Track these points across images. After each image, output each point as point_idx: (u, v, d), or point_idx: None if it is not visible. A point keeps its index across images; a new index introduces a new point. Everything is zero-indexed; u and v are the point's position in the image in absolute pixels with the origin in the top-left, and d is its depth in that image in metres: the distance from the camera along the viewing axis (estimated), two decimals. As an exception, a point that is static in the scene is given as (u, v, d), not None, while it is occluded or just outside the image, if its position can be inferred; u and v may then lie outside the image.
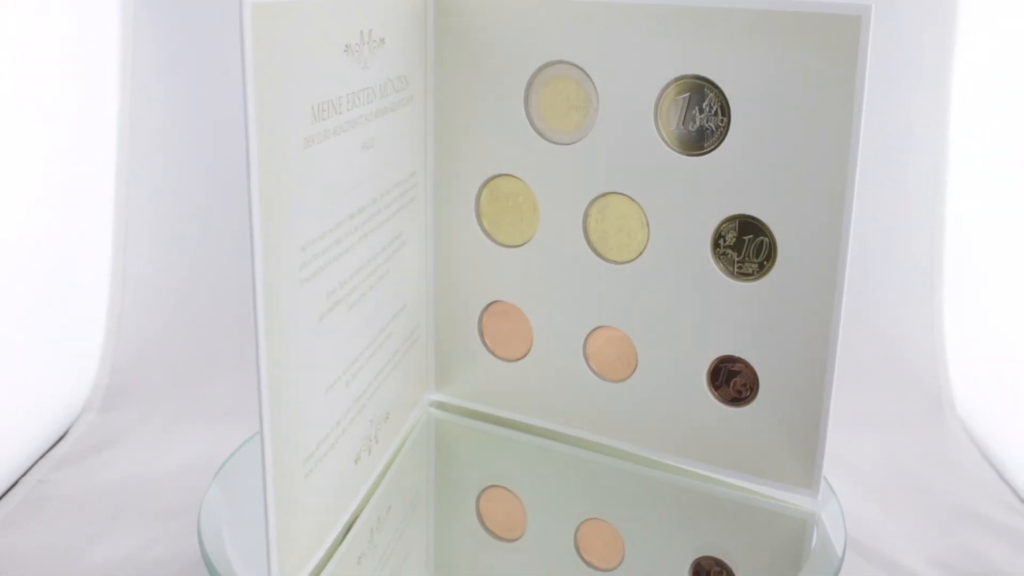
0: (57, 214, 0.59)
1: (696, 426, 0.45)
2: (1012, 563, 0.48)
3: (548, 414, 0.49)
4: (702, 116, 0.41)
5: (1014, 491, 0.55)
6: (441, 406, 0.52)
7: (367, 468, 0.43)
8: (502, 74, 0.44)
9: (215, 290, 0.69)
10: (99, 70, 0.65)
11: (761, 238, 0.41)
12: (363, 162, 0.39)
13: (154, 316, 0.67)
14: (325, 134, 0.35)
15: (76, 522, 0.49)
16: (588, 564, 0.41)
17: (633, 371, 0.46)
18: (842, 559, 0.40)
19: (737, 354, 0.43)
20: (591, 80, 0.43)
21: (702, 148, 0.41)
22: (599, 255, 0.45)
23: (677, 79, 0.41)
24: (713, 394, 0.44)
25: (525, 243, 0.47)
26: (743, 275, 0.42)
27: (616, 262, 0.45)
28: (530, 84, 0.44)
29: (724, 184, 0.41)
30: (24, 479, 0.53)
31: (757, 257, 0.42)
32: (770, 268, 0.41)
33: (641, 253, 0.44)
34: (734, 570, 0.40)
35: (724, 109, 0.40)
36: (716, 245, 0.42)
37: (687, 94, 0.41)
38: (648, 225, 0.43)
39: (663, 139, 0.42)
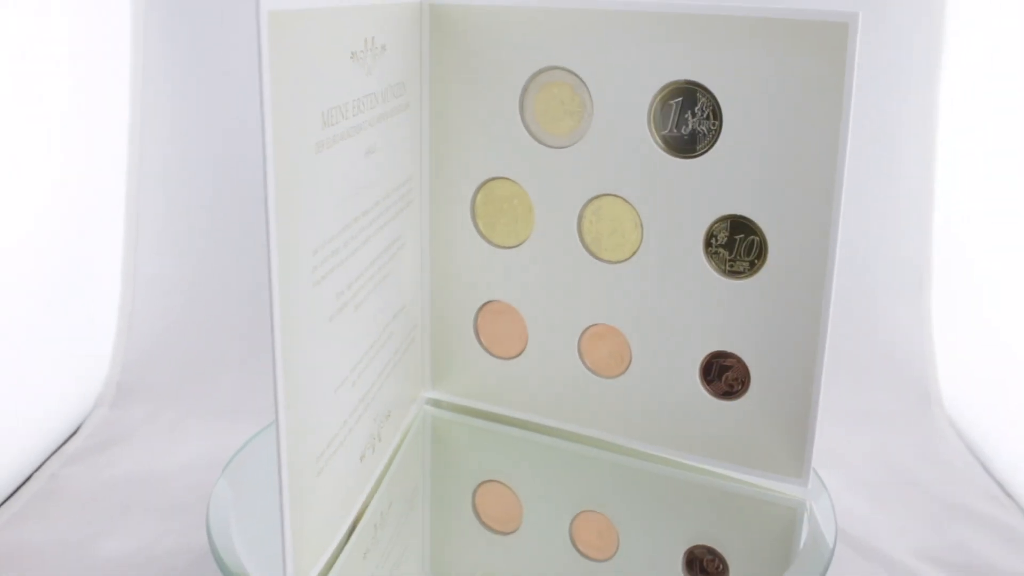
0: (68, 214, 0.59)
1: (689, 420, 0.45)
2: (998, 555, 0.49)
3: (543, 410, 0.49)
4: (694, 120, 0.41)
5: (1000, 485, 0.55)
6: (437, 403, 0.52)
7: (371, 466, 0.43)
8: (497, 80, 0.44)
9: (224, 289, 0.69)
10: (110, 70, 0.65)
11: (752, 237, 0.42)
12: (367, 166, 0.39)
13: (164, 315, 0.67)
14: (334, 139, 0.35)
15: (87, 516, 0.49)
16: (583, 555, 0.41)
17: (627, 367, 0.46)
18: (833, 547, 0.40)
19: (729, 350, 0.44)
20: (585, 85, 0.43)
21: (694, 151, 0.42)
22: (593, 255, 0.45)
23: (670, 84, 0.41)
24: (705, 388, 0.45)
25: (520, 244, 0.47)
26: (734, 273, 0.43)
27: (610, 262, 0.45)
28: (525, 90, 0.44)
29: (716, 185, 0.42)
30: (37, 474, 0.53)
31: (748, 256, 0.42)
32: (761, 266, 0.42)
33: (635, 253, 0.44)
34: (727, 558, 0.41)
35: (716, 113, 0.41)
36: (708, 244, 0.43)
37: (679, 98, 0.41)
38: (642, 226, 0.44)
39: (656, 142, 0.42)
